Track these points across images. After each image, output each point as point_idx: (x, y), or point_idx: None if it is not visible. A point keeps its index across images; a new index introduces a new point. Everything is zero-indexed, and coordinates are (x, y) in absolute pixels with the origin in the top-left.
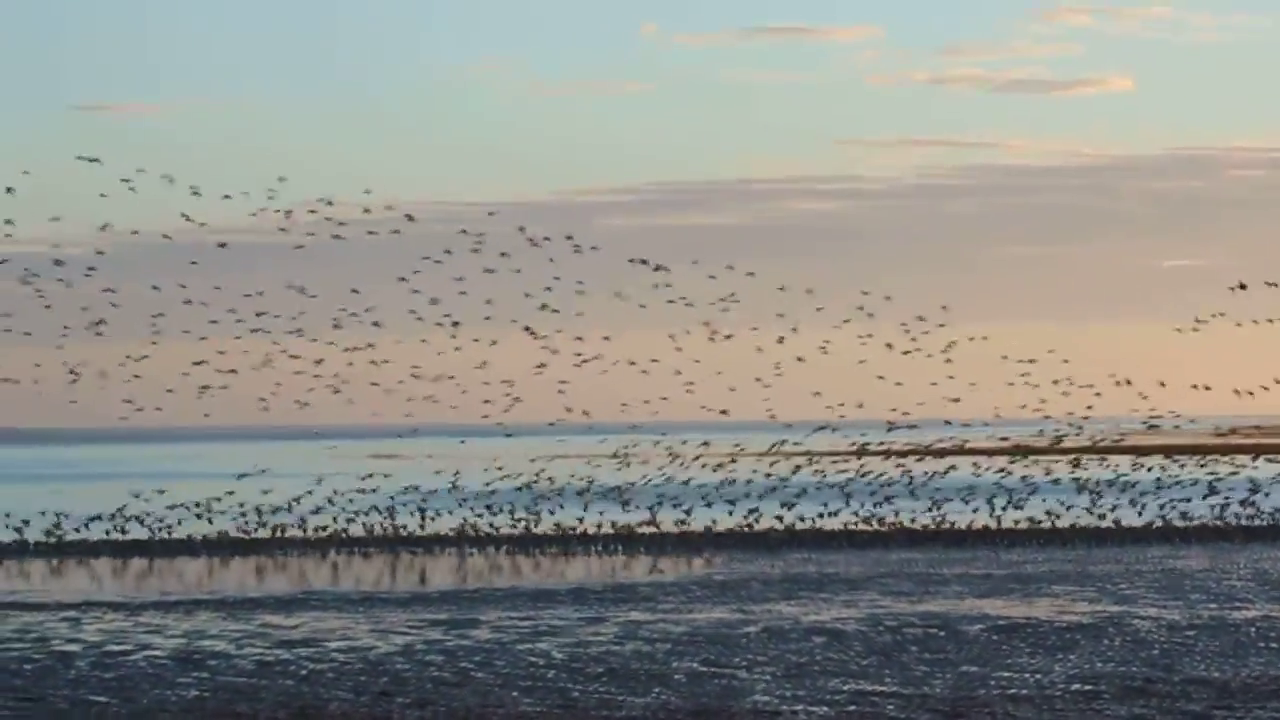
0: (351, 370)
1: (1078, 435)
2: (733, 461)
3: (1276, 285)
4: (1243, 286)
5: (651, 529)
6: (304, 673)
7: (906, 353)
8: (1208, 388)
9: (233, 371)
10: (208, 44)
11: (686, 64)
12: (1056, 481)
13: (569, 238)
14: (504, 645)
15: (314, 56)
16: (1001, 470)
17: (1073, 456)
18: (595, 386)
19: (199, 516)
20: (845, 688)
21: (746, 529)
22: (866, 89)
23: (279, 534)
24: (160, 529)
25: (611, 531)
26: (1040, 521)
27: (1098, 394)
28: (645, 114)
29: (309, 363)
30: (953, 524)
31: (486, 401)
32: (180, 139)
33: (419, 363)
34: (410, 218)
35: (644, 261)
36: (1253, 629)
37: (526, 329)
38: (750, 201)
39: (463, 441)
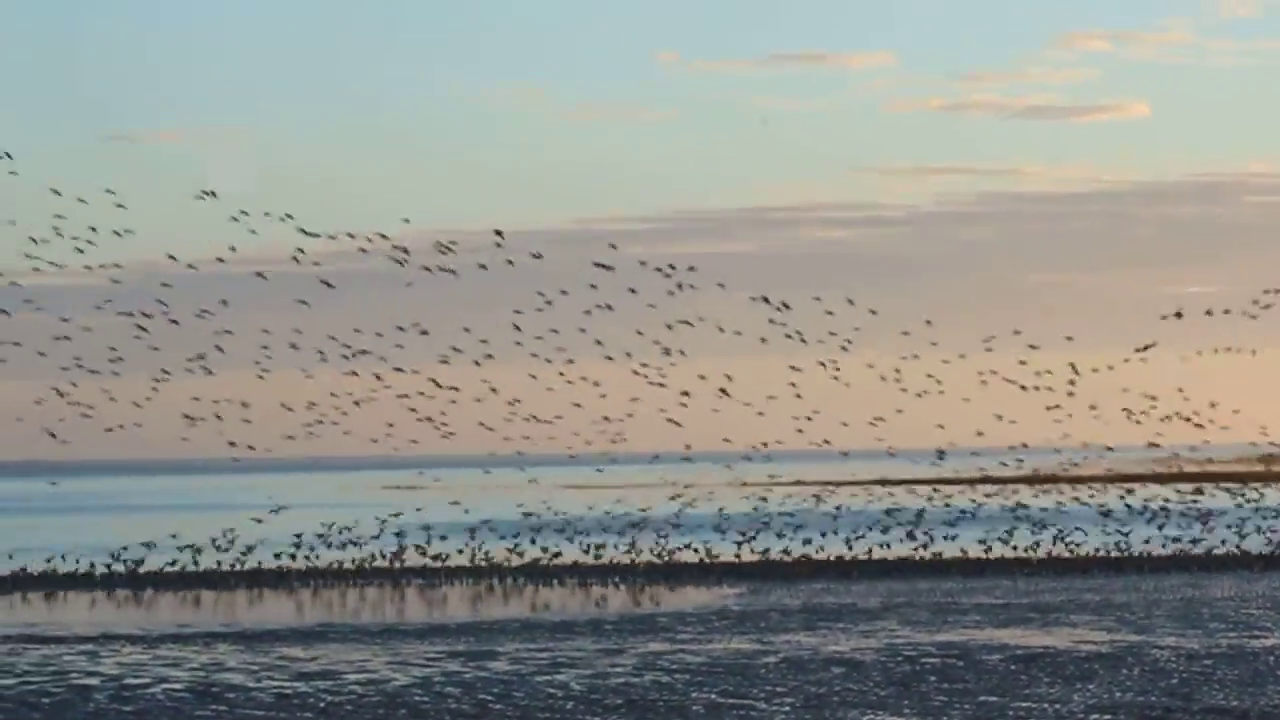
0: (457, 403)
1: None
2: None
3: (1211, 313)
4: (1178, 315)
5: (675, 560)
6: (322, 705)
7: (1024, 388)
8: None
9: (343, 412)
10: (240, 71)
11: (705, 91)
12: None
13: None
14: (522, 677)
15: (334, 81)
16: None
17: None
18: (706, 418)
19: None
20: (864, 718)
21: (766, 558)
22: (883, 116)
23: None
24: (227, 560)
25: (629, 563)
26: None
27: (1199, 425)
28: (664, 141)
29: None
30: (965, 552)
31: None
32: (213, 166)
33: (525, 395)
34: (498, 237)
35: (765, 300)
36: (1272, 657)
37: (637, 368)
38: (766, 229)
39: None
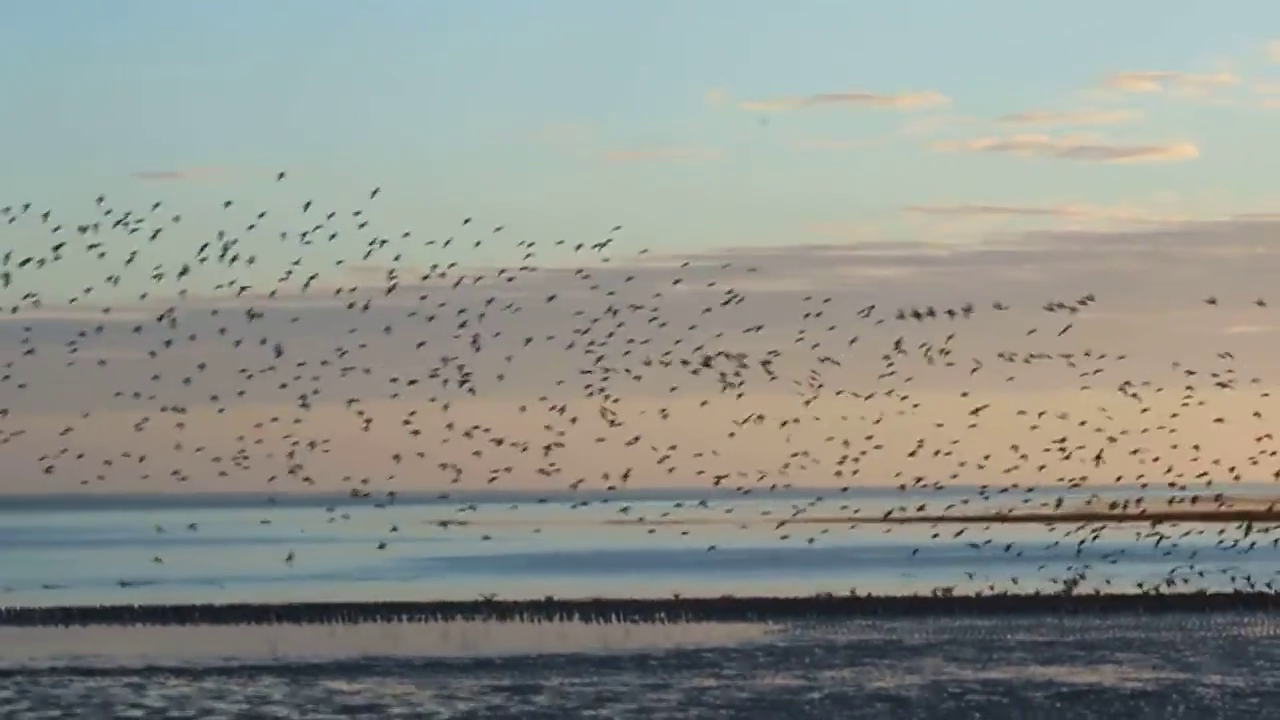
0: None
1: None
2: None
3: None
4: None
5: (715, 596)
6: None
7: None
8: None
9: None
10: (275, 107)
11: (752, 131)
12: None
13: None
14: (567, 711)
15: (380, 121)
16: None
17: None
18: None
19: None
20: None
21: (826, 596)
22: (930, 155)
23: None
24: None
25: (672, 599)
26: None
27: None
28: (712, 180)
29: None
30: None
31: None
32: (246, 203)
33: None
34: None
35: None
36: None
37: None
38: (813, 268)
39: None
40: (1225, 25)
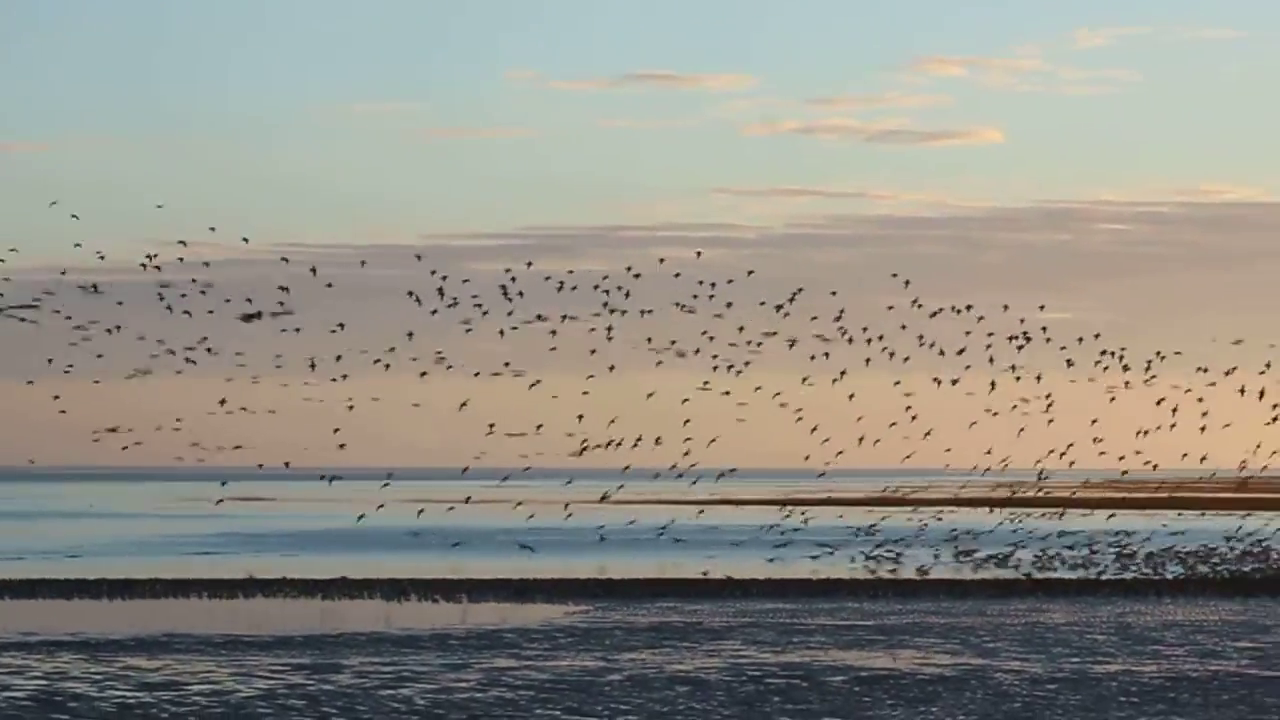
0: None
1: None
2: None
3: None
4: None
5: (520, 577)
6: (165, 716)
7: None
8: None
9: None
10: (96, 82)
11: (562, 110)
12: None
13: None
14: (366, 690)
15: (194, 96)
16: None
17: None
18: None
19: None
20: None
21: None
22: (737, 137)
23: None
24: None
25: (479, 579)
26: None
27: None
28: (519, 159)
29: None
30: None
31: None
32: (71, 178)
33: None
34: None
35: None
36: (1114, 683)
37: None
38: (621, 248)
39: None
40: (1032, 11)
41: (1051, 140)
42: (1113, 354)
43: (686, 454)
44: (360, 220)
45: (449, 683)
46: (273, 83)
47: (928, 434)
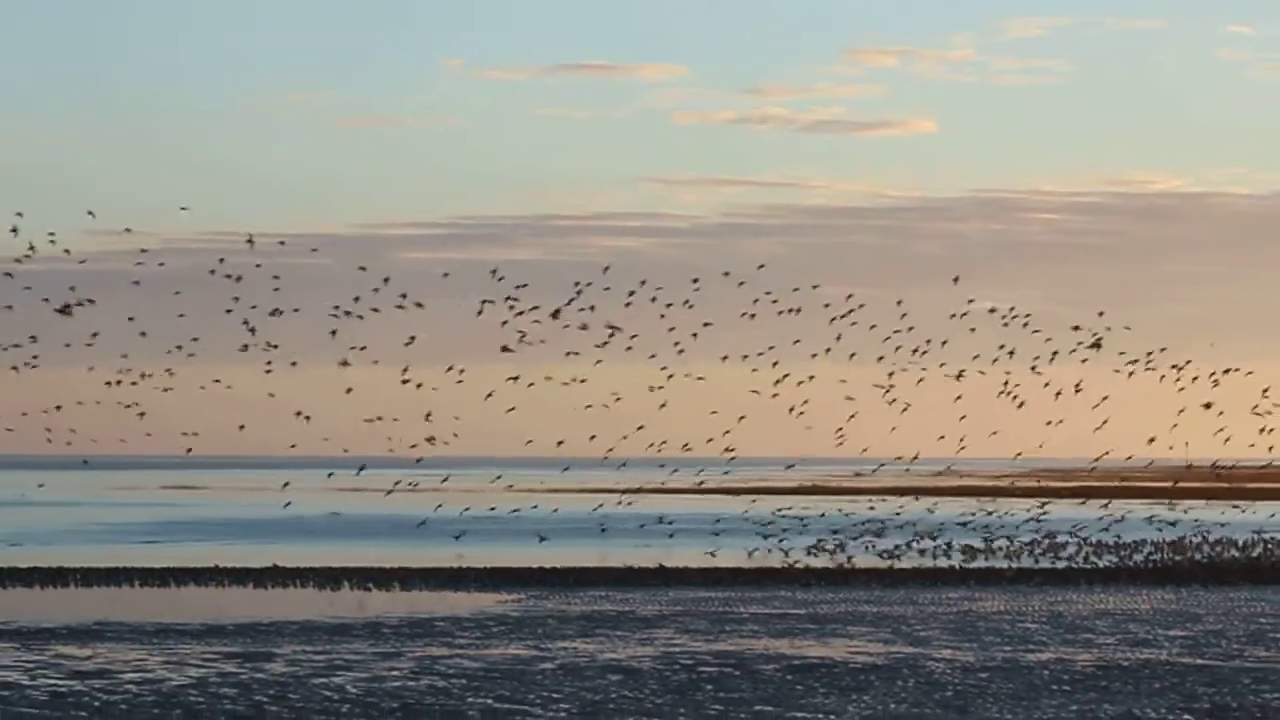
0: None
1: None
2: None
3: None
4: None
5: (452, 565)
6: (97, 704)
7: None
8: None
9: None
10: (16, 67)
11: (493, 99)
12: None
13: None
14: (299, 679)
15: (116, 87)
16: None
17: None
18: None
19: None
20: None
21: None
22: (670, 127)
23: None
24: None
25: (412, 567)
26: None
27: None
28: (451, 148)
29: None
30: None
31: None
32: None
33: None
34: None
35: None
36: (1046, 671)
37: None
38: (551, 237)
39: None
40: (964, 2)
41: (984, 130)
42: (1047, 338)
43: (612, 449)
44: (292, 209)
45: (381, 671)
46: (205, 71)
47: (849, 421)
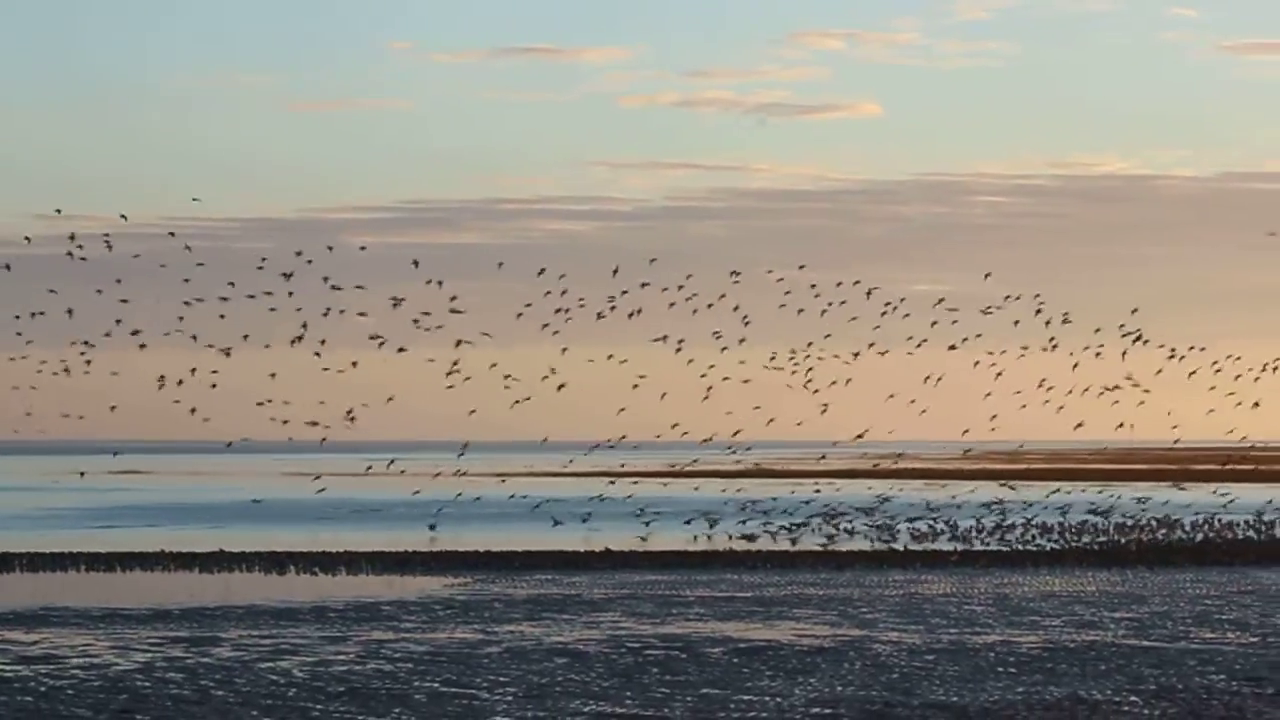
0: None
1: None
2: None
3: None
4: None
5: (394, 549)
6: (43, 689)
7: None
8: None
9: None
10: None
11: (441, 82)
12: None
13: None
14: (245, 663)
15: (66, 66)
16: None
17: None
18: None
19: None
20: (586, 709)
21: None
22: (615, 110)
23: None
24: None
25: (369, 551)
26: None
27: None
28: (397, 131)
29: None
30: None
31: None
32: None
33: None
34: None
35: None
36: (992, 654)
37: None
38: (497, 221)
39: None
40: None
41: (929, 113)
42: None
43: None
44: (239, 191)
45: (328, 655)
46: (154, 55)
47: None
